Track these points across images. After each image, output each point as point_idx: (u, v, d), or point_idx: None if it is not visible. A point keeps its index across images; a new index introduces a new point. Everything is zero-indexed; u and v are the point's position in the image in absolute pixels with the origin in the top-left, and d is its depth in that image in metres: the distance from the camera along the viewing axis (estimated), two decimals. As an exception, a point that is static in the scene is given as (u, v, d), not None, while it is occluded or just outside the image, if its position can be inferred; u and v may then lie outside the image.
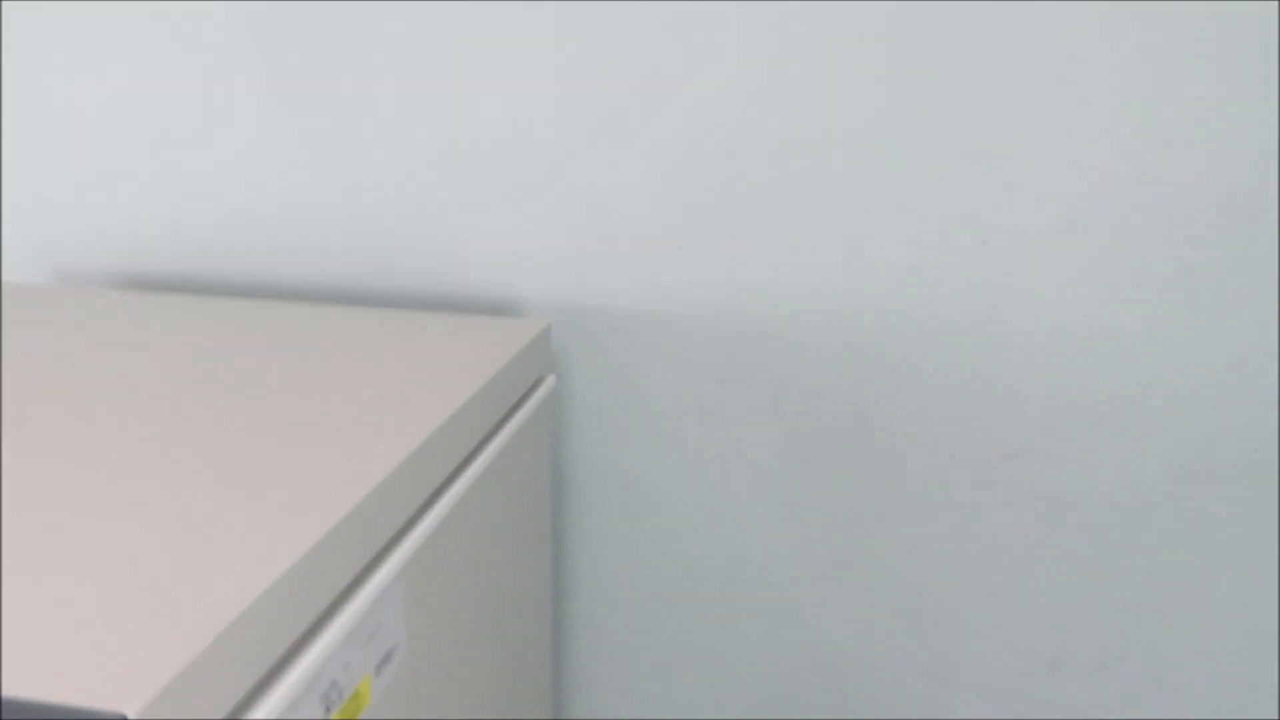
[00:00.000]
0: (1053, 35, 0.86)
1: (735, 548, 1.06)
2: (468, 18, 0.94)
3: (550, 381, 0.92)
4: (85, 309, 0.94)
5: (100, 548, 0.51)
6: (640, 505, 1.07)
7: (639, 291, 0.99)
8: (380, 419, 0.69)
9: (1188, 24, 0.84)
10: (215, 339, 0.86)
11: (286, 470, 0.60)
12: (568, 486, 1.08)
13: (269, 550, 0.51)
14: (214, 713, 0.44)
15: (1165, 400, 0.94)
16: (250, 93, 1.00)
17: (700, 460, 1.04)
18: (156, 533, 0.53)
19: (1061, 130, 0.88)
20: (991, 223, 0.91)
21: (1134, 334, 0.93)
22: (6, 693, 0.40)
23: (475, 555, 0.77)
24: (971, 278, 0.93)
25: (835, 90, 0.90)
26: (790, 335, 0.98)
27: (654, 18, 0.91)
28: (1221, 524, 0.97)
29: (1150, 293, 0.91)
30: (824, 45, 0.90)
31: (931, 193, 0.91)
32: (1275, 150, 0.86)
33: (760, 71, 0.91)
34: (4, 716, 0.40)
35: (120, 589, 0.47)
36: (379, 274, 1.04)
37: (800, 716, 1.12)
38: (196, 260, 1.07)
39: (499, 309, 1.02)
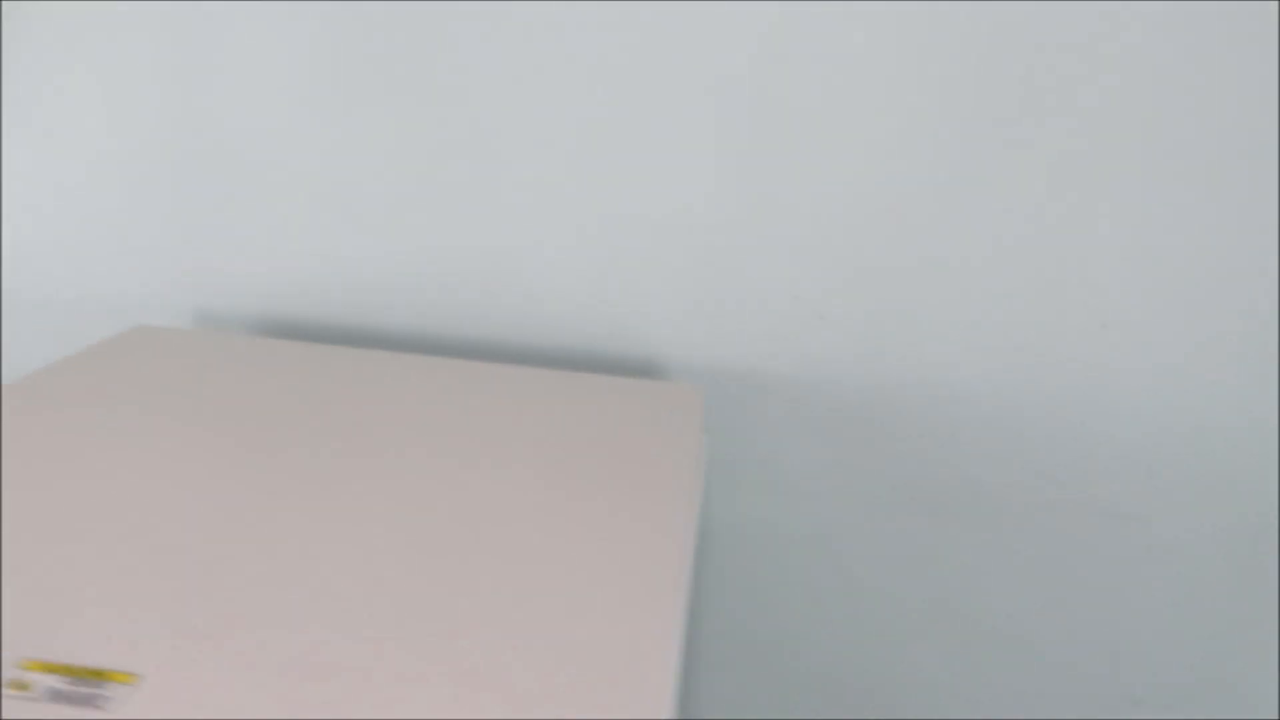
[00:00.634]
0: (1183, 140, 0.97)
1: (851, 588, 1.15)
2: (626, 102, 1.02)
3: (705, 442, 1.00)
4: (288, 359, 0.99)
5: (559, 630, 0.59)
6: (763, 554, 1.15)
7: (770, 356, 1.08)
8: (642, 490, 0.77)
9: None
10: (425, 396, 0.92)
11: (619, 545, 0.68)
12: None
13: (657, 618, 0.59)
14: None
15: (1249, 466, 1.05)
16: (404, 153, 1.07)
17: (821, 511, 1.13)
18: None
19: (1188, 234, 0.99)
20: (1109, 309, 1.02)
21: (1224, 407, 1.04)
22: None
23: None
24: (1087, 357, 1.04)
25: (970, 190, 1.00)
26: (912, 403, 1.07)
27: (800, 108, 1.00)
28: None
29: (1245, 372, 1.02)
30: (986, 155, 0.99)
31: (1045, 282, 1.02)
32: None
33: (907, 167, 1.00)
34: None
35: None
36: (523, 330, 1.11)
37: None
38: (336, 310, 1.13)
39: (642, 370, 1.10)
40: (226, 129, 1.08)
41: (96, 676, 0.53)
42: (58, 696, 0.51)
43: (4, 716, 0.50)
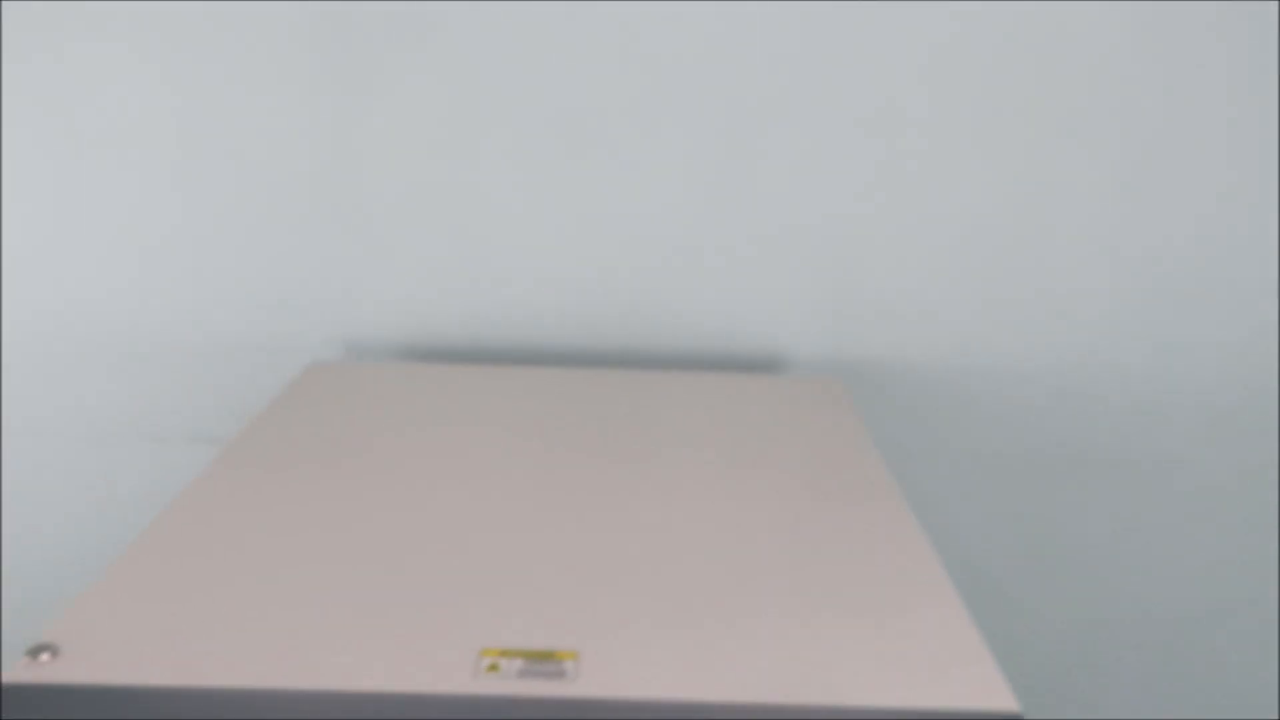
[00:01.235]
0: None
1: (959, 542, 1.30)
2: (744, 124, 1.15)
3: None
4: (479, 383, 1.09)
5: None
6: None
7: (885, 349, 1.21)
8: (852, 478, 0.89)
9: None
10: (619, 406, 1.03)
11: (867, 537, 0.81)
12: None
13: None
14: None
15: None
16: (532, 175, 1.18)
17: (933, 486, 1.27)
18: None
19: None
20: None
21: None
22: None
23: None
24: (1148, 339, 1.21)
25: (1052, 196, 1.16)
26: (1004, 386, 1.22)
27: (926, 127, 1.14)
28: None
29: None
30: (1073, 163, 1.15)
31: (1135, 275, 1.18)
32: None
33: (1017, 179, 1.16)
34: None
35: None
36: (646, 335, 1.22)
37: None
38: (468, 332, 1.23)
39: (764, 365, 1.22)
40: (362, 178, 1.18)
41: (548, 656, 0.63)
42: (526, 674, 0.62)
43: (488, 693, 0.61)
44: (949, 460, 1.26)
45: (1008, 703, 0.60)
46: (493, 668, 0.62)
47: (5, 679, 0.60)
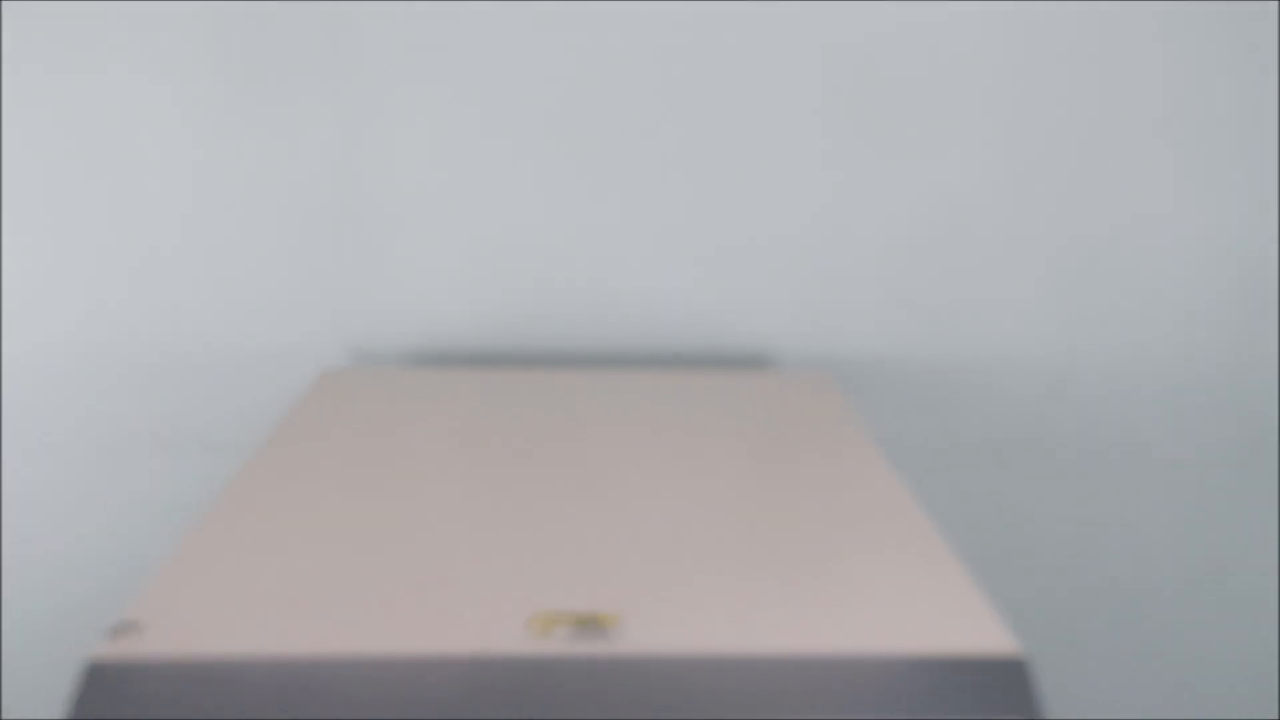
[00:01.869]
0: None
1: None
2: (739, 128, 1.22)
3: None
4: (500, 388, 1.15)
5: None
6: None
7: (862, 342, 1.29)
8: (853, 464, 0.96)
9: None
10: (609, 407, 1.10)
11: (876, 515, 0.88)
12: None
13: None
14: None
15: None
16: (542, 181, 1.24)
17: (905, 467, 1.34)
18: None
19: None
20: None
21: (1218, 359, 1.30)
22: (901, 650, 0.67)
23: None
24: (1114, 328, 1.29)
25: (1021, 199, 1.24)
26: (977, 377, 1.30)
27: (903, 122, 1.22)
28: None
29: None
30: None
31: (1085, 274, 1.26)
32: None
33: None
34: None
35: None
36: (638, 336, 1.29)
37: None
38: (470, 335, 1.29)
39: (752, 360, 1.29)
40: (365, 186, 1.23)
41: (593, 621, 0.69)
42: (575, 636, 0.68)
43: (540, 654, 0.66)
44: (922, 450, 1.33)
45: (1011, 646, 0.67)
46: (544, 632, 0.68)
47: (92, 657, 0.65)
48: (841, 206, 1.25)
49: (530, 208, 1.24)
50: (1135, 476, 1.34)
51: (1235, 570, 1.38)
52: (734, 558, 0.78)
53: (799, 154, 1.23)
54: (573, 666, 0.66)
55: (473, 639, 0.68)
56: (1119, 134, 1.24)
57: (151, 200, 1.23)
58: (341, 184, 1.23)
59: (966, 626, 0.70)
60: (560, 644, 0.67)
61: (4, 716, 1.35)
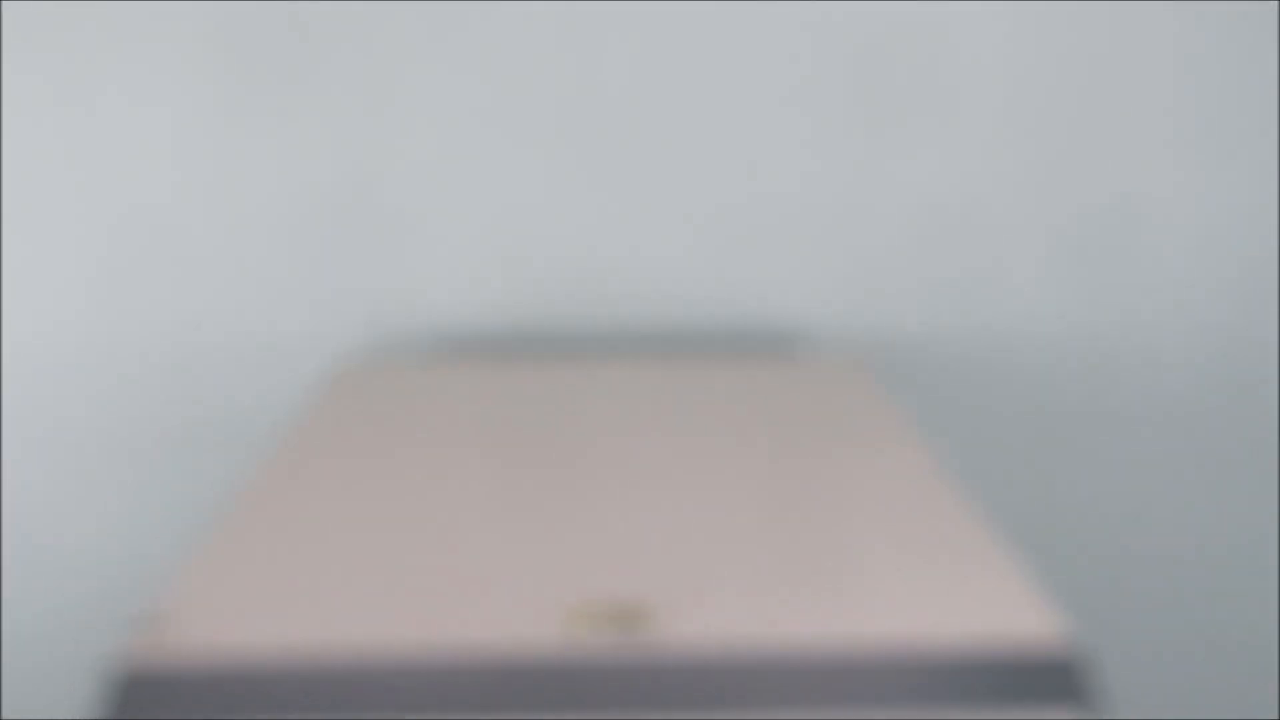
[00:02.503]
0: None
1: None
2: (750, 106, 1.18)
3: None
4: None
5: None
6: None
7: (888, 319, 1.25)
8: (894, 448, 0.93)
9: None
10: (633, 398, 1.06)
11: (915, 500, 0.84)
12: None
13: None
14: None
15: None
16: (560, 170, 1.21)
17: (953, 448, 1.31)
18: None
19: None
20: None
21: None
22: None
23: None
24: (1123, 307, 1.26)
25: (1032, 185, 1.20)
26: (990, 358, 1.27)
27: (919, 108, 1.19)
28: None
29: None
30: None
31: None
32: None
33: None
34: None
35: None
36: (663, 316, 1.25)
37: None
38: (480, 322, 1.25)
39: (780, 339, 1.26)
40: (384, 176, 1.20)
41: (630, 614, 0.66)
42: (611, 629, 0.64)
43: (575, 647, 0.63)
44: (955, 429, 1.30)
45: (1065, 637, 0.64)
46: (579, 624, 0.65)
47: (122, 649, 0.62)
48: (863, 184, 1.22)
49: (548, 191, 1.21)
50: (1180, 453, 1.31)
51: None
52: (771, 550, 0.75)
53: (820, 133, 1.20)
54: (609, 659, 0.63)
55: (509, 633, 0.64)
56: (1136, 105, 1.21)
57: (161, 189, 1.19)
58: (355, 173, 1.20)
59: (1014, 616, 0.66)
60: (596, 636, 0.64)
61: (4, 716, 1.31)
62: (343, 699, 0.62)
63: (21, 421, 1.24)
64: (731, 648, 0.63)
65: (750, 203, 1.22)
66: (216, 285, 1.22)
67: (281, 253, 1.21)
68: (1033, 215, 1.23)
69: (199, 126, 1.18)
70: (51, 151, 1.18)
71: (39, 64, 1.16)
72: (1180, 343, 1.27)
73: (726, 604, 0.67)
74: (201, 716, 0.61)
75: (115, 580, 1.28)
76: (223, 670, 0.62)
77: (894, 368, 1.27)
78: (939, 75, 1.19)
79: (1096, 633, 1.36)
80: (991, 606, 0.68)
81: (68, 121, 1.17)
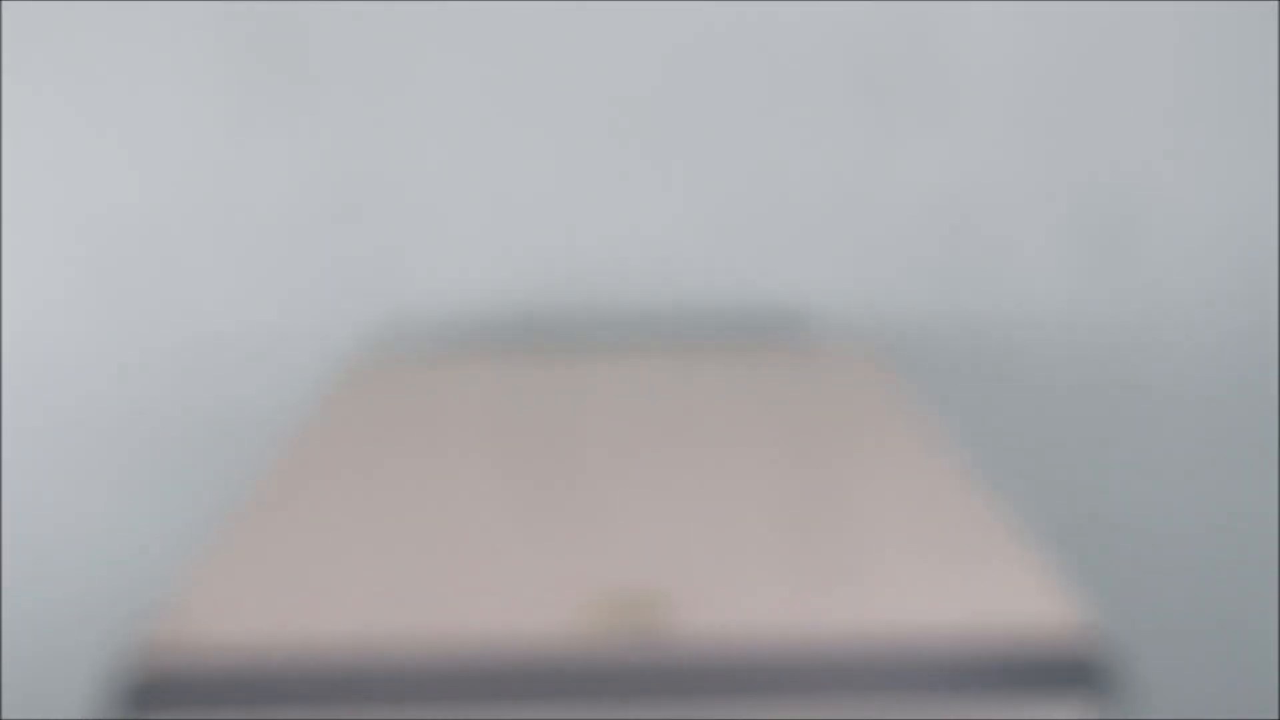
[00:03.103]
0: None
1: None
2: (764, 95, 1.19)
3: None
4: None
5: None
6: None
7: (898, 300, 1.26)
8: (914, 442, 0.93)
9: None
10: (643, 393, 1.06)
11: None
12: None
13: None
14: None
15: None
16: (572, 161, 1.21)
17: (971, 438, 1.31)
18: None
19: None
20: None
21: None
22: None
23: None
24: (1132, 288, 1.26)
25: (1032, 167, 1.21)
26: (998, 343, 1.27)
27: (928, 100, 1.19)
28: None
29: None
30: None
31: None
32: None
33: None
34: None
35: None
36: (672, 301, 1.25)
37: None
38: (491, 313, 1.25)
39: (790, 321, 1.26)
40: (398, 160, 1.20)
41: (647, 604, 0.66)
42: (629, 620, 0.64)
43: (593, 638, 0.63)
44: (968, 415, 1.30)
45: (1086, 625, 0.64)
46: (596, 614, 0.64)
47: (138, 641, 0.61)
48: (872, 171, 1.22)
49: (554, 185, 1.20)
50: (1197, 432, 1.30)
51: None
52: (787, 540, 0.74)
53: (829, 120, 1.20)
54: (626, 651, 0.63)
55: (527, 627, 0.64)
56: (1144, 91, 1.22)
57: (163, 185, 1.19)
58: (360, 169, 1.19)
59: (1036, 607, 0.66)
60: (612, 628, 0.64)
61: (4, 717, 1.31)
62: (359, 693, 0.61)
63: (22, 418, 1.24)
64: (749, 638, 0.63)
65: (759, 192, 1.22)
66: (220, 282, 1.21)
67: (286, 249, 1.21)
68: (1042, 201, 1.23)
69: (203, 122, 1.17)
70: (52, 148, 1.17)
71: (39, 63, 1.15)
72: (1191, 326, 1.27)
73: (743, 594, 0.67)
74: (219, 713, 0.60)
75: (115, 580, 1.27)
76: (239, 665, 0.61)
77: (903, 353, 1.26)
78: (948, 63, 1.19)
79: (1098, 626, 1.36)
80: (1015, 597, 0.68)
81: (69, 119, 1.17)
